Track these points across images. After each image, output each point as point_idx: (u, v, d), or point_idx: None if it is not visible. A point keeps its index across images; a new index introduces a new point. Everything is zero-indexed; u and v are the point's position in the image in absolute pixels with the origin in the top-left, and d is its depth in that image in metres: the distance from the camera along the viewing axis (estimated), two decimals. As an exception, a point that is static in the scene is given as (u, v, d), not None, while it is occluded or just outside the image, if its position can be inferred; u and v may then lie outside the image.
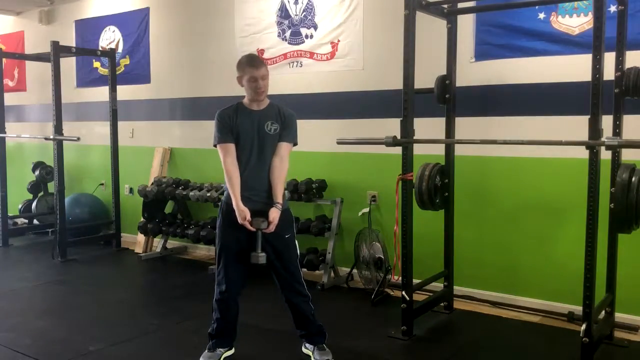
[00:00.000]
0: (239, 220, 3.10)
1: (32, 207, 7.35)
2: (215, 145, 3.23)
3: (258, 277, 5.33)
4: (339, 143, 4.05)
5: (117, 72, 6.53)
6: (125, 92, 6.56)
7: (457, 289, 4.35)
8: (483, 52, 4.37)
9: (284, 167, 3.22)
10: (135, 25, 6.65)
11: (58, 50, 5.93)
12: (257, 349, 3.62)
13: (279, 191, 3.18)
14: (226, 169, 3.16)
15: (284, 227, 3.21)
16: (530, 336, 3.85)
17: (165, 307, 4.50)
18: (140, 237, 6.28)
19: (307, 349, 3.42)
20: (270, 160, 3.18)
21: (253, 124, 3.17)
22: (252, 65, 3.14)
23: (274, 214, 3.13)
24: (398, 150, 3.72)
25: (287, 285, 3.34)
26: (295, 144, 3.32)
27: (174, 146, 6.46)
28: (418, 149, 3.76)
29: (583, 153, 3.16)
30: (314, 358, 3.35)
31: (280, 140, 3.20)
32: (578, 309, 3.39)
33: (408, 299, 3.71)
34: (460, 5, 4.04)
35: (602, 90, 3.08)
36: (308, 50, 5.31)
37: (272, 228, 3.12)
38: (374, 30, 4.92)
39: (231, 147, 3.17)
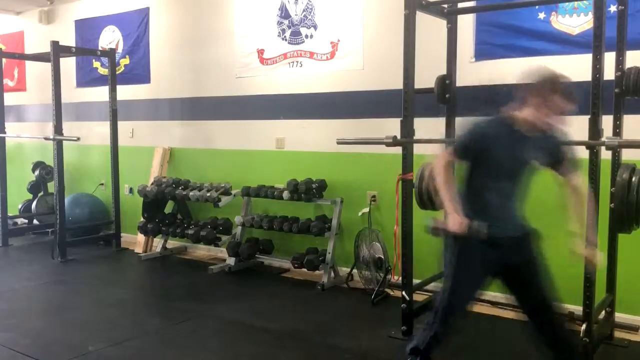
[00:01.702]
0: (455, 227, 2.69)
1: (32, 207, 7.35)
2: (450, 150, 2.79)
3: (258, 277, 5.34)
4: (339, 143, 4.05)
5: (117, 72, 6.52)
6: (125, 92, 6.56)
7: (457, 289, 4.34)
8: (483, 52, 4.37)
9: (583, 198, 2.78)
10: (135, 25, 6.65)
11: (58, 50, 5.93)
12: (257, 349, 3.62)
13: (581, 223, 2.76)
14: (441, 177, 2.76)
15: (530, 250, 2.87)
16: (530, 336, 3.84)
17: (165, 307, 4.50)
18: (140, 237, 6.28)
19: None
20: (521, 190, 2.79)
21: (520, 151, 2.68)
22: (572, 98, 2.59)
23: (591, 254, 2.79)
24: (398, 150, 3.72)
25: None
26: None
27: (174, 146, 6.46)
28: (418, 149, 3.76)
29: (583, 153, 3.16)
30: None
31: (567, 171, 2.75)
32: (578, 309, 3.39)
33: (408, 299, 3.71)
34: (460, 5, 4.04)
35: (602, 90, 3.08)
36: (308, 50, 5.31)
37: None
38: (374, 30, 4.92)
39: (455, 162, 2.80)
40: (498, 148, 2.67)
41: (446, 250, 2.87)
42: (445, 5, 3.97)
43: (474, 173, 2.77)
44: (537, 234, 2.91)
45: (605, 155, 3.25)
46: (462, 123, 2.82)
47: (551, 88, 2.59)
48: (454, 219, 2.68)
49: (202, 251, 6.24)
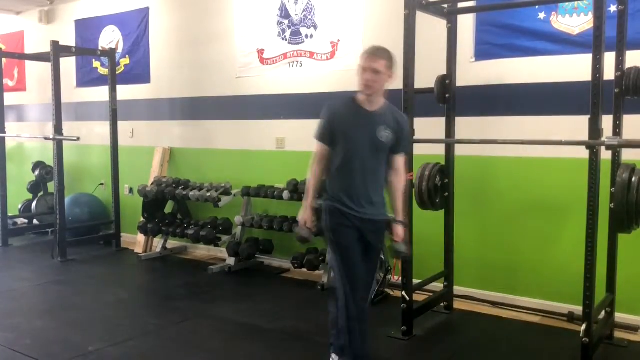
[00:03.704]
0: (300, 221, 3.01)
1: (32, 207, 7.35)
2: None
3: (258, 277, 5.34)
4: (338, 143, 4.04)
5: (117, 72, 6.52)
6: (125, 92, 6.56)
7: (457, 289, 4.34)
8: (483, 52, 4.37)
9: (403, 180, 3.01)
10: (135, 25, 6.65)
11: (58, 50, 5.93)
12: (257, 349, 3.62)
13: (401, 207, 3.00)
14: (310, 169, 2.99)
15: (382, 237, 3.04)
16: (530, 336, 3.85)
17: (165, 307, 4.50)
18: (140, 237, 6.28)
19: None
20: (382, 171, 2.94)
21: (364, 127, 2.87)
22: (370, 54, 2.83)
23: (401, 232, 2.97)
24: (398, 150, 3.71)
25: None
26: (407, 152, 3.04)
27: (174, 146, 6.46)
28: (418, 149, 3.76)
29: (583, 153, 3.16)
30: None
31: (395, 152, 2.95)
32: (578, 309, 3.39)
33: (408, 299, 3.71)
34: (460, 5, 4.04)
35: (602, 90, 3.08)
36: (308, 50, 5.31)
37: (404, 248, 3.01)
38: (374, 30, 4.91)
39: (325, 150, 2.95)
40: (346, 127, 2.86)
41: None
42: (445, 5, 3.97)
43: (333, 155, 2.93)
44: (387, 225, 3.02)
45: (605, 155, 3.25)
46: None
47: (360, 56, 2.87)
48: (301, 213, 2.96)
49: (202, 251, 6.24)
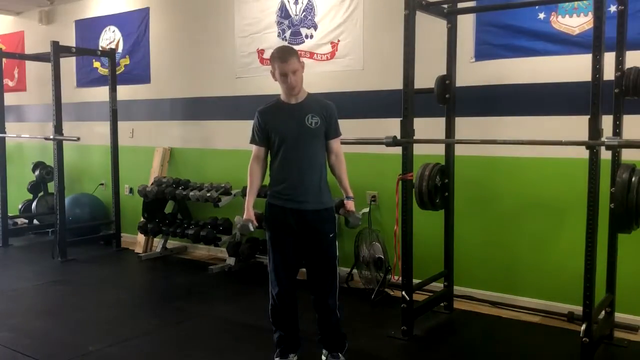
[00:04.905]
0: (245, 217, 3.17)
1: (32, 207, 7.35)
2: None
3: (258, 277, 5.34)
4: (338, 143, 4.05)
5: (117, 72, 6.53)
6: (125, 92, 6.56)
7: (457, 289, 4.34)
8: (483, 52, 4.37)
9: (343, 161, 3.22)
10: (135, 25, 6.65)
11: (58, 50, 5.93)
12: (257, 349, 3.62)
13: (347, 184, 3.22)
14: (248, 170, 3.17)
15: (329, 226, 3.15)
16: (530, 336, 3.85)
17: (165, 307, 4.50)
18: (140, 237, 6.28)
19: (324, 355, 3.33)
20: (316, 157, 3.10)
21: (292, 120, 3.06)
22: (281, 59, 3.03)
23: (351, 205, 3.19)
24: (398, 150, 3.72)
25: (320, 286, 3.24)
26: (340, 135, 3.22)
27: (174, 146, 6.46)
28: (418, 149, 3.76)
29: (583, 153, 3.16)
30: None
31: (328, 138, 3.13)
32: (578, 309, 3.39)
33: (408, 299, 3.71)
34: (460, 5, 4.04)
35: (602, 90, 3.08)
36: (308, 50, 5.31)
37: (357, 219, 3.21)
38: (374, 30, 4.92)
39: (259, 150, 3.14)
40: (276, 125, 3.06)
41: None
42: (445, 5, 3.97)
43: (270, 153, 3.14)
44: (333, 211, 3.19)
45: (605, 155, 3.25)
46: None
47: (272, 63, 3.09)
48: (245, 214, 3.15)
49: (202, 251, 6.24)
